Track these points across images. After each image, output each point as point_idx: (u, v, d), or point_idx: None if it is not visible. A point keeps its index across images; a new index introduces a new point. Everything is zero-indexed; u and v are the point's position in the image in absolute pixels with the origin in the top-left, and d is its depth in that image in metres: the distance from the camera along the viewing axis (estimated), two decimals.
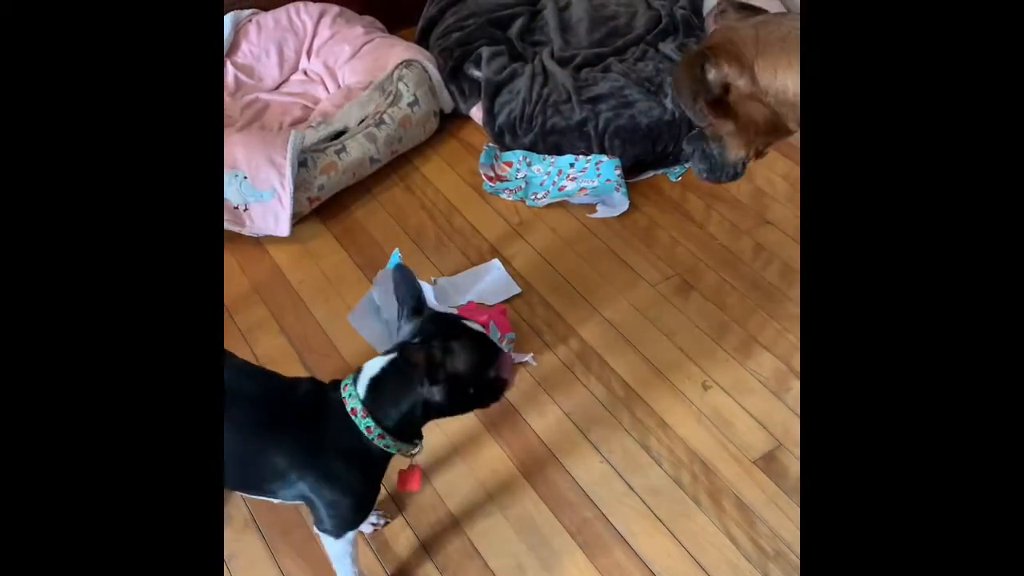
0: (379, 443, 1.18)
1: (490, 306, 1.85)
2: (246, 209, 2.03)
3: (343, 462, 1.19)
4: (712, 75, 1.39)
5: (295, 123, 2.31)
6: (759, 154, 1.49)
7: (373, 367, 1.18)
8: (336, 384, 1.22)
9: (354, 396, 1.17)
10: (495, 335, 1.71)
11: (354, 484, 1.21)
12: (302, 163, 2.04)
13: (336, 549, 1.30)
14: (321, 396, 1.22)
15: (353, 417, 1.17)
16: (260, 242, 2.09)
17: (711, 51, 1.39)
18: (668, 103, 2.19)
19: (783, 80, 1.34)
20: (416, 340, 1.17)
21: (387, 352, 1.20)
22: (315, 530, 1.28)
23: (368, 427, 1.17)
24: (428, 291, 1.90)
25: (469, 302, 1.86)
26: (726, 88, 1.39)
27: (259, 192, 2.00)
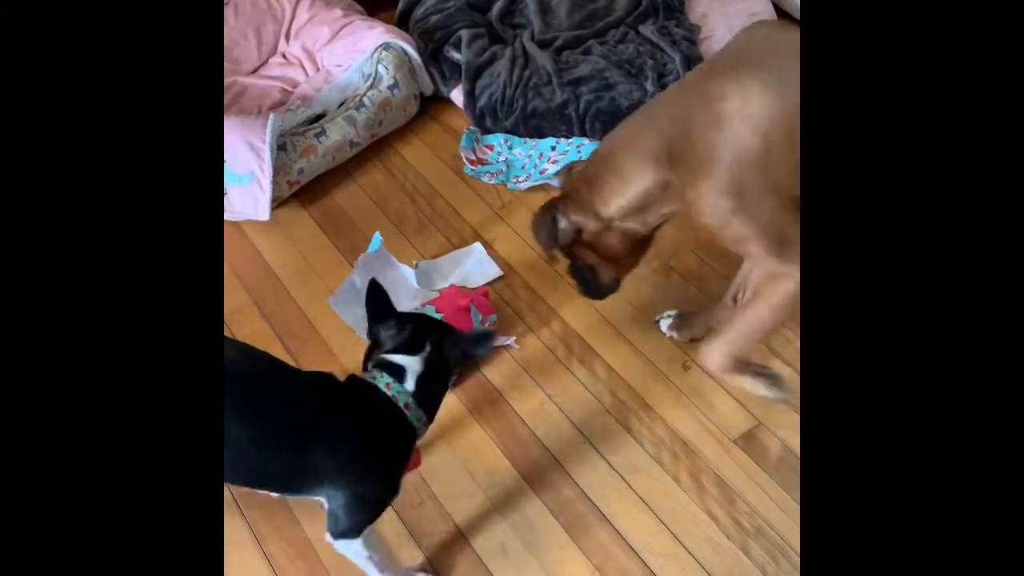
0: (422, 433, 1.28)
1: (472, 289, 1.85)
2: (225, 194, 2.01)
3: (391, 456, 1.27)
4: (563, 224, 1.48)
5: (274, 107, 2.29)
6: (630, 269, 1.58)
7: (414, 365, 1.26)
8: (356, 380, 1.26)
9: (404, 392, 1.25)
10: (477, 318, 1.71)
11: (392, 475, 1.28)
12: (281, 147, 2.03)
13: (354, 549, 1.27)
14: (362, 393, 1.25)
15: (407, 412, 1.25)
16: (240, 226, 2.08)
17: (560, 201, 1.48)
18: (648, 86, 2.19)
19: (616, 205, 1.42)
20: (429, 347, 1.29)
21: (402, 352, 1.27)
22: (328, 539, 1.25)
23: (419, 419, 1.26)
24: (410, 275, 1.89)
25: (451, 285, 1.86)
26: (579, 231, 1.49)
27: (238, 176, 1.99)
